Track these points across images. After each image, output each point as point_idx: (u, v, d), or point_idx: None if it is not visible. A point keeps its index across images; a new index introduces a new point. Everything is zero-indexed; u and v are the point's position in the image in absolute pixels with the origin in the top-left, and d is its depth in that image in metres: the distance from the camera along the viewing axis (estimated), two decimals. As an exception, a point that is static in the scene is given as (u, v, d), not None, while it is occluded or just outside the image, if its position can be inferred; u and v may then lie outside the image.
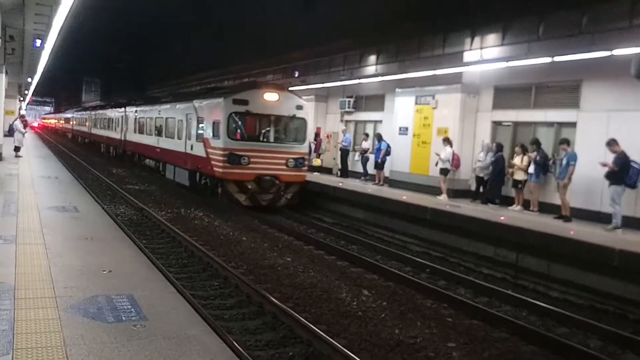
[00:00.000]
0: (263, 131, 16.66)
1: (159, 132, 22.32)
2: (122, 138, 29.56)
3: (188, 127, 18.56)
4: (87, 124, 44.25)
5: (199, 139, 17.42)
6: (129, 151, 28.72)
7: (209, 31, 32.78)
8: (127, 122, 28.43)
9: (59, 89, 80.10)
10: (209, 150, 16.53)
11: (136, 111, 26.91)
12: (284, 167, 16.19)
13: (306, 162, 16.98)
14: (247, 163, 15.68)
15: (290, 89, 18.67)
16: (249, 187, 15.78)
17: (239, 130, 16.22)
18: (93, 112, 41.49)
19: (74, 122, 53.45)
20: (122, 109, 30.32)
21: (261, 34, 27.25)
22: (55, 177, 17.30)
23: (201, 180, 17.87)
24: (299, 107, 16.71)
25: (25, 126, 26.82)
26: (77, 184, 17.00)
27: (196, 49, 36.38)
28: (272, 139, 16.37)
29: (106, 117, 35.41)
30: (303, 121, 16.91)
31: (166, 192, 19.80)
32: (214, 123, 16.31)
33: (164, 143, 21.49)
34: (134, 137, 26.89)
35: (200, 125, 17.49)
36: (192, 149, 18.04)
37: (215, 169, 16.15)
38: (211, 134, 16.46)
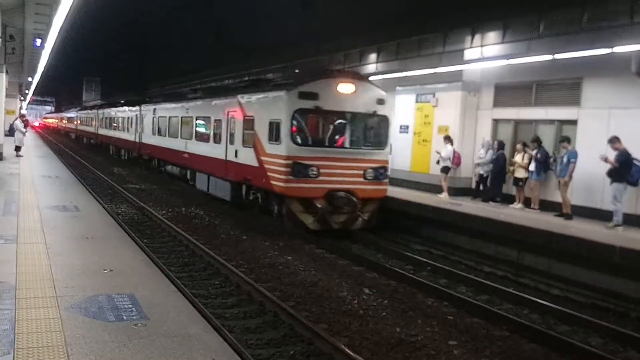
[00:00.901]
0: (336, 134, 13.32)
1: (187, 135, 19.10)
2: (137, 140, 26.42)
3: (230, 128, 15.27)
4: (93, 123, 41.20)
5: (247, 144, 14.14)
6: (145, 155, 25.56)
7: (209, 30, 32.76)
8: (143, 123, 25.28)
9: (60, 88, 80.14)
10: (264, 158, 13.21)
11: (155, 110, 23.52)
12: (362, 179, 12.81)
13: (388, 172, 13.56)
14: (316, 175, 12.35)
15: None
16: (319, 205, 12.44)
17: (305, 133, 12.99)
18: (100, 111, 38.29)
19: (78, 122, 50.50)
20: (136, 108, 27.07)
21: (260, 32, 27.23)
22: (56, 177, 17.31)
23: (249, 194, 14.61)
24: (381, 101, 13.16)
25: (26, 126, 26.83)
26: (77, 183, 17.01)
27: (196, 47, 36.35)
28: (347, 144, 13.07)
29: (116, 116, 32.33)
30: (385, 119, 13.40)
31: (167, 191, 19.79)
32: (271, 124, 12.93)
33: (195, 147, 18.22)
34: (152, 140, 23.73)
35: (250, 126, 14.09)
36: (236, 155, 14.75)
37: (273, 182, 12.74)
38: (266, 138, 13.06)
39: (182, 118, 19.83)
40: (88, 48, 46.85)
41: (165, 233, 12.70)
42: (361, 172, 12.83)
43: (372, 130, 13.54)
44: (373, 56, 20.58)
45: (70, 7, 15.75)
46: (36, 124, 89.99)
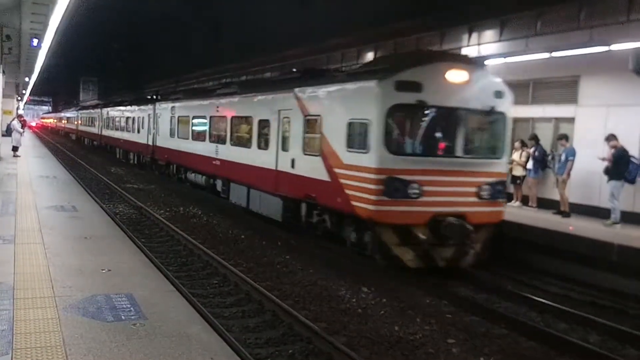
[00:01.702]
0: (444, 138, 10.01)
1: (218, 138, 16.17)
2: (150, 143, 23.28)
3: (282, 130, 12.32)
4: (96, 124, 37.73)
5: (310, 151, 11.19)
6: (161, 160, 22.31)
7: (207, 29, 32.72)
8: (158, 123, 22.21)
9: (57, 88, 79.99)
10: (339, 170, 10.16)
11: (173, 108, 20.34)
12: (475, 198, 9.77)
13: (504, 188, 10.47)
14: (418, 195, 9.27)
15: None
16: (421, 236, 9.36)
17: (404, 137, 9.97)
18: (105, 111, 34.91)
19: (80, 122, 47.05)
20: (149, 106, 23.99)
21: (258, 31, 27.19)
22: (54, 177, 17.29)
23: (311, 215, 11.49)
24: (499, 94, 10.05)
25: (23, 126, 26.78)
26: (75, 184, 16.99)
27: (194, 47, 36.30)
28: (459, 151, 9.77)
29: (124, 116, 29.06)
30: (503, 118, 10.19)
31: (165, 191, 19.77)
32: (351, 125, 9.90)
33: (230, 153, 15.19)
34: (170, 143, 20.54)
35: (315, 128, 11.09)
36: (293, 165, 11.76)
37: (355, 203, 9.64)
38: (343, 143, 10.07)
39: (211, 118, 16.73)
40: (85, 48, 46.75)
41: (163, 233, 12.68)
42: (475, 189, 9.73)
43: (489, 132, 10.44)
44: (370, 55, 20.58)
45: (67, 6, 15.74)
46: (33, 124, 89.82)
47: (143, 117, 24.87)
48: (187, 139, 18.66)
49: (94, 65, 57.01)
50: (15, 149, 23.69)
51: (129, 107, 28.56)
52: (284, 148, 12.23)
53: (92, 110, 41.69)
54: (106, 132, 34.23)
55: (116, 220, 12.60)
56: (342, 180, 10.05)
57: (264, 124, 13.35)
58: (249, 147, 13.98)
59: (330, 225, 10.89)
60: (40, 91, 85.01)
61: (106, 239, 8.76)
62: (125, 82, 54.39)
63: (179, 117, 19.87)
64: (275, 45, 25.70)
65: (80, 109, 49.94)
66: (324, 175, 10.62)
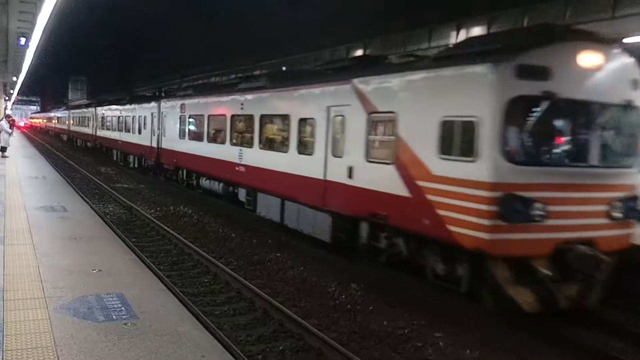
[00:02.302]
0: (576, 142, 7.88)
1: (242, 140, 14.15)
2: (155, 145, 21.18)
3: (334, 131, 10.28)
4: (90, 124, 35.50)
5: (377, 157, 9.13)
6: (168, 165, 20.16)
7: (197, 27, 32.63)
8: (165, 123, 20.21)
9: (45, 87, 79.37)
10: (425, 184, 8.07)
11: (184, 106, 18.27)
12: (605, 219, 7.78)
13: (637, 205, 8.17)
14: (542, 217, 7.24)
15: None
16: (543, 270, 7.37)
17: (527, 141, 7.53)
18: (100, 110, 32.60)
19: (72, 122, 44.62)
20: (153, 104, 21.90)
21: (249, 30, 27.17)
22: (43, 177, 17.20)
23: (376, 238, 9.42)
24: (636, 84, 7.98)
25: (11, 126, 26.58)
26: (64, 184, 16.93)
27: (185, 45, 36.20)
28: (592, 159, 7.73)
29: (122, 115, 26.98)
30: (638, 115, 8.10)
31: (155, 190, 19.73)
32: (446, 125, 7.76)
33: (258, 158, 13.13)
34: (180, 146, 18.43)
35: (385, 128, 9.06)
36: (350, 175, 9.65)
37: (456, 228, 7.54)
38: (433, 148, 7.95)
39: (233, 117, 14.52)
40: (73, 47, 46.45)
41: (154, 232, 12.69)
42: (605, 207, 7.73)
43: (622, 134, 8.17)
44: (359, 52, 20.65)
45: (55, 5, 15.64)
46: (22, 124, 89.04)
47: (145, 117, 22.58)
48: (202, 140, 16.47)
49: (83, 64, 56.66)
50: (3, 149, 23.50)
51: (128, 106, 26.15)
52: (336, 153, 10.11)
53: (85, 110, 39.01)
54: (101, 133, 31.92)
55: (106, 220, 12.59)
56: (431, 197, 7.87)
57: (306, 123, 11.23)
58: (285, 151, 11.87)
59: (407, 251, 8.74)
60: (29, 91, 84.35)
61: (96, 239, 8.77)
62: (115, 80, 54.06)
63: (190, 116, 17.72)
64: (267, 43, 25.70)
65: (72, 108, 47.51)
66: (399, 189, 8.46)
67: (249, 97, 13.86)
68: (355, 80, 9.72)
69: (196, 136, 17.15)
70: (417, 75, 8.73)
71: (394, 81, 9.06)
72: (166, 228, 12.53)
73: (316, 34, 21.86)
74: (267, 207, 12.85)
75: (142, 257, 9.43)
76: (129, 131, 25.36)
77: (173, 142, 19.08)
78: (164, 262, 10.08)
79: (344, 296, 8.45)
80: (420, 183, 8.13)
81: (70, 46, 44.68)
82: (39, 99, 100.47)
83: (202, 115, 16.59)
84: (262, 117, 13.00)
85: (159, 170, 21.55)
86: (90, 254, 7.63)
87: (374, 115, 9.19)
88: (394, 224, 8.79)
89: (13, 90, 54.13)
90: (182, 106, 18.29)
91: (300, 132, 11.42)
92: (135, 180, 22.45)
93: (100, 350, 4.54)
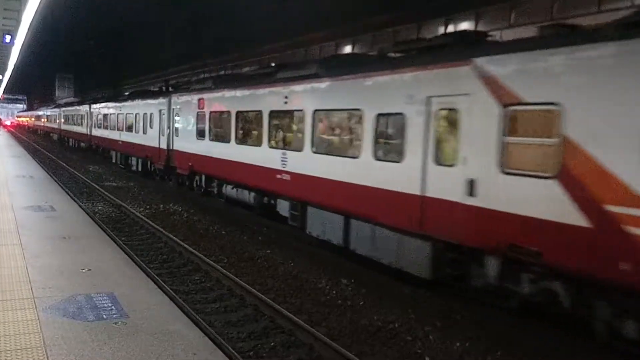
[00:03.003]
0: None
1: (285, 141, 11.72)
2: (165, 147, 18.59)
3: (439, 130, 7.93)
4: (84, 122, 33.16)
5: (521, 167, 6.72)
6: (181, 169, 17.31)
7: (183, 24, 32.43)
8: (177, 122, 17.69)
9: (32, 85, 78.44)
10: (627, 211, 5.66)
11: (202, 102, 15.50)
12: None
13: None
14: None
15: None
16: None
17: None
18: (96, 107, 30.22)
19: (63, 120, 42.19)
20: (160, 100, 19.33)
21: (235, 26, 27.05)
22: (30, 176, 17.05)
23: (513, 278, 6.99)
24: None
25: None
26: (53, 183, 16.79)
27: (171, 42, 35.96)
28: None
29: (122, 113, 24.34)
30: None
31: (144, 188, 19.63)
32: None
33: (310, 165, 10.59)
34: (198, 147, 15.76)
35: (537, 126, 6.63)
36: (472, 191, 7.27)
37: None
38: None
39: (272, 114, 12.06)
40: (60, 44, 45.87)
41: (143, 230, 12.65)
42: None
43: None
44: (348, 48, 20.66)
45: (40, 1, 15.49)
46: (8, 122, 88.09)
47: (151, 114, 20.03)
48: (227, 142, 13.93)
49: (70, 61, 56.02)
50: (-11, 148, 23.26)
51: (129, 102, 23.56)
52: (443, 160, 7.70)
53: (78, 107, 35.93)
54: (98, 132, 29.29)
55: (95, 219, 12.52)
56: (634, 230, 5.53)
57: (388, 120, 8.87)
58: (355, 156, 9.35)
59: (570, 302, 6.41)
60: (15, 89, 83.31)
61: (85, 238, 8.72)
62: (103, 78, 53.56)
63: (212, 112, 15.04)
64: (254, 40, 25.60)
65: (63, 106, 44.36)
66: (567, 215, 6.08)
67: (297, 88, 11.15)
68: (480, 60, 7.13)
69: (220, 137, 14.58)
70: (607, 49, 5.92)
71: (560, 59, 6.34)
72: (156, 226, 12.50)
73: (304, 30, 21.82)
74: (323, 225, 10.34)
75: (132, 256, 9.42)
76: (131, 130, 22.66)
77: (188, 143, 16.44)
78: (154, 261, 10.06)
79: (334, 292, 8.49)
80: (613, 208, 5.66)
81: (57, 43, 44.14)
82: (25, 98, 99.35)
83: (228, 112, 13.91)
84: (317, 112, 10.41)
85: (169, 175, 18.89)
86: (80, 254, 7.60)
87: (516, 107, 6.69)
88: (551, 264, 6.32)
89: (-1, 88, 53.52)
90: (201, 101, 15.62)
91: (378, 131, 8.96)
92: (124, 178, 22.32)
93: (91, 350, 4.54)
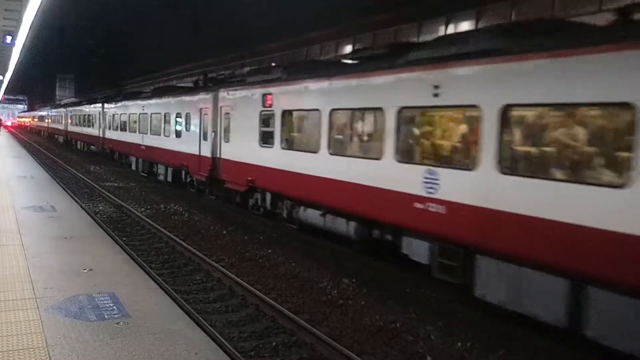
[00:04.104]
0: None
1: (437, 155, 8.11)
2: (209, 155, 15.20)
3: None
4: (96, 124, 30.02)
5: None
6: (235, 184, 13.97)
7: (183, 24, 32.43)
8: (229, 124, 14.23)
9: (33, 86, 78.49)
10: None
11: (267, 98, 12.28)
12: None
13: None
14: None
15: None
16: None
17: None
18: (110, 106, 27.24)
19: (70, 121, 39.30)
20: (203, 96, 15.97)
21: (236, 25, 27.05)
22: (32, 177, 17.06)
23: None
24: None
25: (-2, 126, 26.33)
26: (54, 183, 16.81)
27: (172, 42, 35.96)
28: None
29: (145, 113, 21.24)
30: None
31: (145, 188, 19.64)
32: None
33: (494, 190, 6.90)
34: (262, 158, 12.40)
35: None
36: None
37: None
38: None
39: (403, 112, 8.46)
40: (61, 44, 45.90)
41: (144, 230, 12.65)
42: None
43: None
44: (349, 48, 20.67)
45: (41, 2, 15.49)
46: (9, 123, 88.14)
47: (188, 114, 16.83)
48: (314, 151, 10.49)
49: (71, 62, 56.05)
50: (-10, 149, 23.29)
51: (156, 100, 20.32)
52: None
53: (89, 106, 32.74)
54: (113, 135, 26.27)
55: (96, 219, 12.53)
56: None
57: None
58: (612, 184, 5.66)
59: None
60: (15, 89, 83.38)
61: (87, 238, 8.73)
62: (103, 78, 53.58)
63: (287, 112, 11.70)
64: (254, 39, 25.60)
65: (70, 105, 41.36)
66: None
67: (464, 71, 7.44)
68: None
69: (300, 144, 11.44)
70: None
71: None
72: (157, 226, 12.50)
73: (305, 29, 21.82)
74: (515, 289, 6.67)
75: (133, 256, 9.42)
76: (158, 133, 19.49)
77: (246, 151, 13.13)
78: (155, 261, 10.07)
79: (335, 291, 8.49)
80: None
81: (57, 44, 44.15)
82: (26, 98, 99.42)
83: (315, 112, 10.52)
84: (511, 110, 6.77)
85: (214, 188, 15.67)
86: (81, 254, 7.60)
87: None
88: None
89: (-1, 89, 53.57)
90: (267, 97, 12.27)
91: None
92: (125, 178, 22.33)
93: (93, 350, 4.54)
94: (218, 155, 14.75)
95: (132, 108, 23.21)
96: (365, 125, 9.76)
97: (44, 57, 47.27)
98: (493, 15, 14.88)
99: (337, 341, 6.41)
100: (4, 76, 41.11)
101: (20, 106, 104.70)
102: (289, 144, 11.66)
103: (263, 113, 12.45)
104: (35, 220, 9.93)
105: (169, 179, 18.94)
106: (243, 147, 13.38)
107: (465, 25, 15.74)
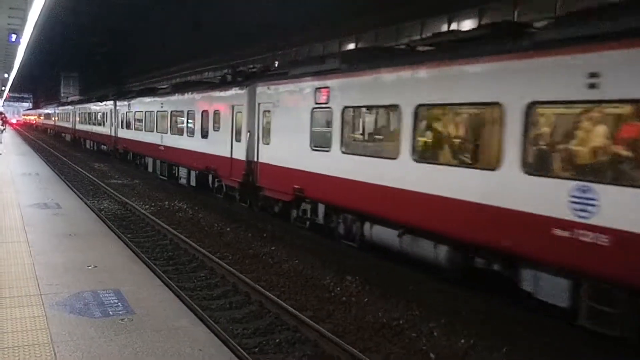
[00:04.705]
0: None
1: None
2: (243, 158, 13.44)
3: None
4: (107, 122, 28.11)
5: None
6: (274, 191, 12.35)
7: (186, 22, 32.45)
8: (270, 123, 12.36)
9: (37, 84, 78.78)
10: None
11: (322, 92, 10.54)
12: None
13: None
14: None
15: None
16: None
17: None
18: (124, 103, 25.36)
19: (78, 119, 37.56)
20: (235, 92, 14.12)
21: (238, 23, 27.03)
22: (36, 174, 17.14)
23: None
24: None
25: (4, 123, 26.41)
26: (58, 180, 16.87)
27: (174, 40, 35.99)
28: None
29: (164, 111, 19.56)
30: None
31: (149, 185, 19.69)
32: None
33: None
34: (338, 164, 10.01)
35: None
36: None
37: None
38: None
39: (533, 108, 6.61)
40: (65, 43, 46.03)
41: (149, 227, 12.70)
42: None
43: None
44: (352, 46, 20.64)
45: (45, 1, 15.56)
46: (14, 120, 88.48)
47: (217, 111, 15.11)
48: (391, 156, 8.67)
49: (75, 60, 56.19)
50: (-5, 146, 23.40)
51: (178, 97, 18.55)
52: None
53: (99, 104, 30.85)
54: (127, 134, 24.74)
55: (101, 216, 12.58)
56: None
57: None
58: None
59: None
60: (20, 87, 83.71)
61: (91, 235, 8.77)
62: (107, 76, 53.69)
63: (349, 109, 9.80)
64: (256, 37, 25.59)
65: (78, 103, 39.67)
66: None
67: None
68: None
69: (369, 148, 9.63)
70: None
71: None
72: (161, 223, 12.55)
73: (307, 28, 21.80)
74: None
75: (138, 253, 9.46)
76: (180, 133, 18.01)
77: (292, 154, 11.38)
78: (159, 258, 10.10)
79: (339, 288, 8.50)
80: None
81: (62, 42, 44.29)
82: (31, 96, 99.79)
83: (393, 109, 8.72)
84: None
85: (249, 196, 13.88)
86: (86, 251, 7.64)
87: None
88: None
89: (5, 87, 53.73)
90: (322, 92, 10.43)
91: None
92: (129, 176, 22.39)
93: (98, 346, 4.57)
94: (255, 159, 12.96)
95: (149, 105, 21.58)
96: (469, 127, 7.87)
97: (48, 56, 47.43)
98: (496, 13, 14.83)
99: (341, 338, 6.43)
100: (9, 74, 41.25)
101: (25, 104, 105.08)
102: (353, 148, 9.76)
103: (316, 110, 10.63)
104: (40, 217, 9.98)
105: (192, 182, 17.44)
106: (288, 150, 11.57)
107: (468, 23, 15.70)
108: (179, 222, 13.30)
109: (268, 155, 12.41)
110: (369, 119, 9.85)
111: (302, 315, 7.00)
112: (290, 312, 7.13)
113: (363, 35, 20.03)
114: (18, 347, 4.49)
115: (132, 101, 23.98)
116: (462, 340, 6.65)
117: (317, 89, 10.58)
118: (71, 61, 56.15)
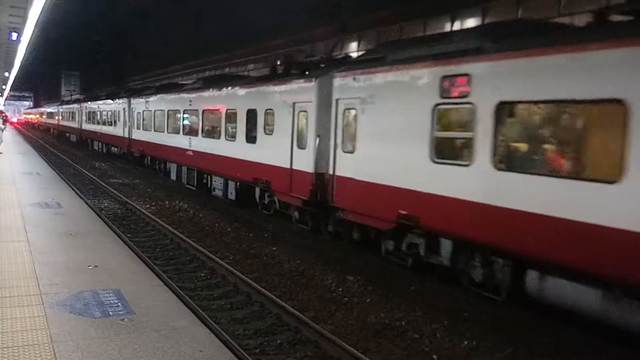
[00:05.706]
0: None
1: None
2: (316, 170, 10.83)
3: None
4: (119, 122, 25.60)
5: None
6: (360, 214, 9.68)
7: (187, 20, 32.43)
8: (365, 127, 9.47)
9: (38, 83, 78.87)
10: None
11: (456, 81, 7.63)
12: None
13: None
14: None
15: None
16: None
17: None
18: (139, 102, 22.90)
19: (84, 118, 35.13)
20: (297, 86, 11.65)
21: (240, 22, 26.99)
22: (37, 173, 17.12)
23: None
24: None
25: (4, 122, 26.41)
26: (59, 180, 16.86)
27: (175, 38, 35.97)
28: None
29: (192, 110, 17.24)
30: None
31: (150, 185, 19.66)
32: None
33: None
34: (520, 193, 6.58)
35: None
36: None
37: None
38: None
39: None
40: (66, 41, 46.05)
41: (149, 227, 12.66)
42: None
43: None
44: (354, 45, 20.61)
45: None
46: (14, 119, 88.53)
47: (269, 111, 12.59)
48: (615, 181, 5.62)
49: (76, 59, 56.24)
50: (-4, 145, 23.40)
51: (211, 93, 16.05)
52: None
53: (109, 102, 28.07)
54: (142, 136, 22.13)
55: (101, 216, 12.55)
56: None
57: None
58: None
59: None
60: (21, 86, 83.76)
61: (92, 235, 8.73)
62: (108, 75, 53.71)
63: (544, 105, 6.68)
64: (258, 36, 25.54)
65: (84, 101, 36.85)
66: None
67: None
68: None
69: (557, 164, 6.54)
70: None
71: None
72: (162, 223, 12.51)
73: (310, 26, 21.75)
74: None
75: (138, 253, 9.43)
76: (217, 136, 15.31)
77: (397, 168, 8.69)
78: (160, 257, 10.06)
79: (340, 289, 8.46)
80: None
81: (63, 40, 44.30)
82: (31, 95, 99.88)
83: (604, 105, 6.03)
84: None
85: (317, 218, 11.40)
86: (86, 250, 7.61)
87: None
88: None
89: (5, 86, 53.76)
90: (453, 82, 7.70)
91: None
92: (129, 175, 22.37)
93: (98, 346, 4.54)
94: (329, 171, 10.36)
95: (173, 103, 18.84)
96: None
97: (49, 54, 47.43)
98: (500, 11, 14.79)
99: (342, 339, 6.38)
100: (10, 73, 41.25)
101: (26, 103, 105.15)
102: (517, 163, 6.88)
103: (441, 108, 7.90)
104: (40, 216, 9.95)
105: (232, 196, 14.74)
106: (389, 162, 8.81)
107: (471, 22, 15.65)
108: (180, 222, 13.26)
109: (352, 167, 9.64)
110: (548, 122, 6.70)
111: (303, 316, 6.96)
112: (291, 313, 7.09)
113: (365, 34, 20.00)
114: (18, 347, 4.46)
115: (151, 98, 21.19)
116: (465, 342, 6.61)
117: (445, 77, 7.77)
118: (72, 59, 56.14)
